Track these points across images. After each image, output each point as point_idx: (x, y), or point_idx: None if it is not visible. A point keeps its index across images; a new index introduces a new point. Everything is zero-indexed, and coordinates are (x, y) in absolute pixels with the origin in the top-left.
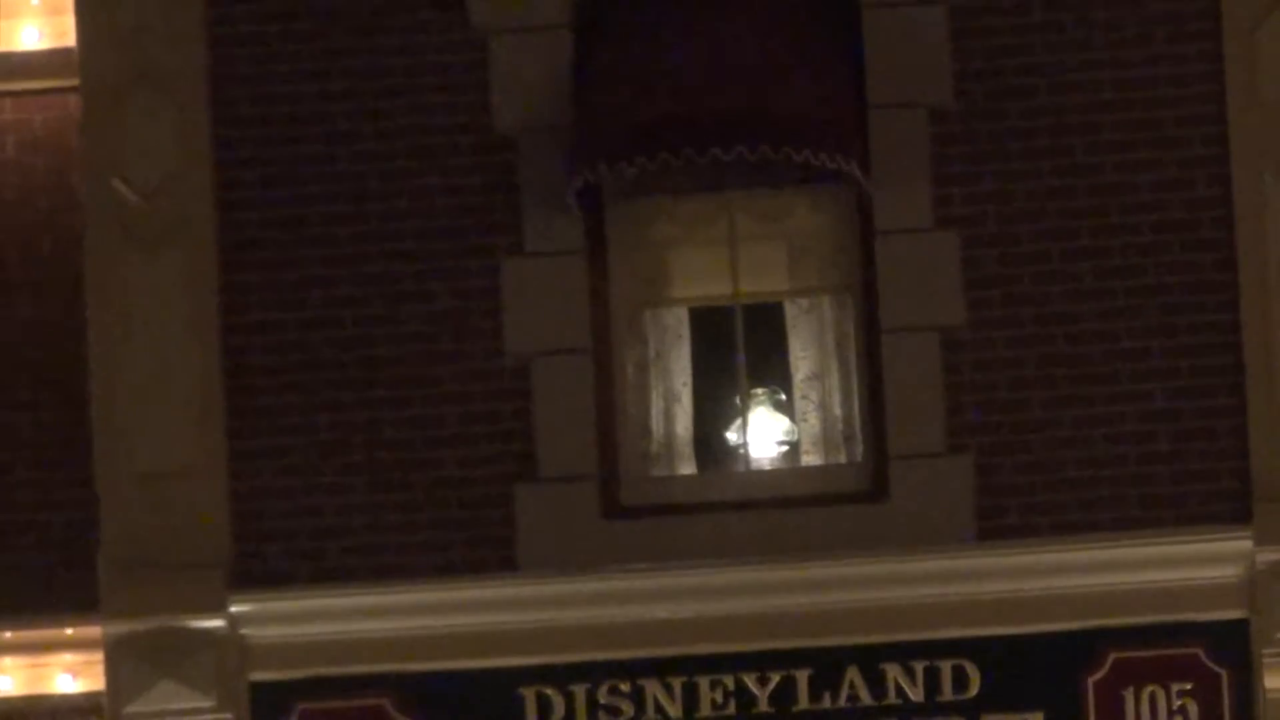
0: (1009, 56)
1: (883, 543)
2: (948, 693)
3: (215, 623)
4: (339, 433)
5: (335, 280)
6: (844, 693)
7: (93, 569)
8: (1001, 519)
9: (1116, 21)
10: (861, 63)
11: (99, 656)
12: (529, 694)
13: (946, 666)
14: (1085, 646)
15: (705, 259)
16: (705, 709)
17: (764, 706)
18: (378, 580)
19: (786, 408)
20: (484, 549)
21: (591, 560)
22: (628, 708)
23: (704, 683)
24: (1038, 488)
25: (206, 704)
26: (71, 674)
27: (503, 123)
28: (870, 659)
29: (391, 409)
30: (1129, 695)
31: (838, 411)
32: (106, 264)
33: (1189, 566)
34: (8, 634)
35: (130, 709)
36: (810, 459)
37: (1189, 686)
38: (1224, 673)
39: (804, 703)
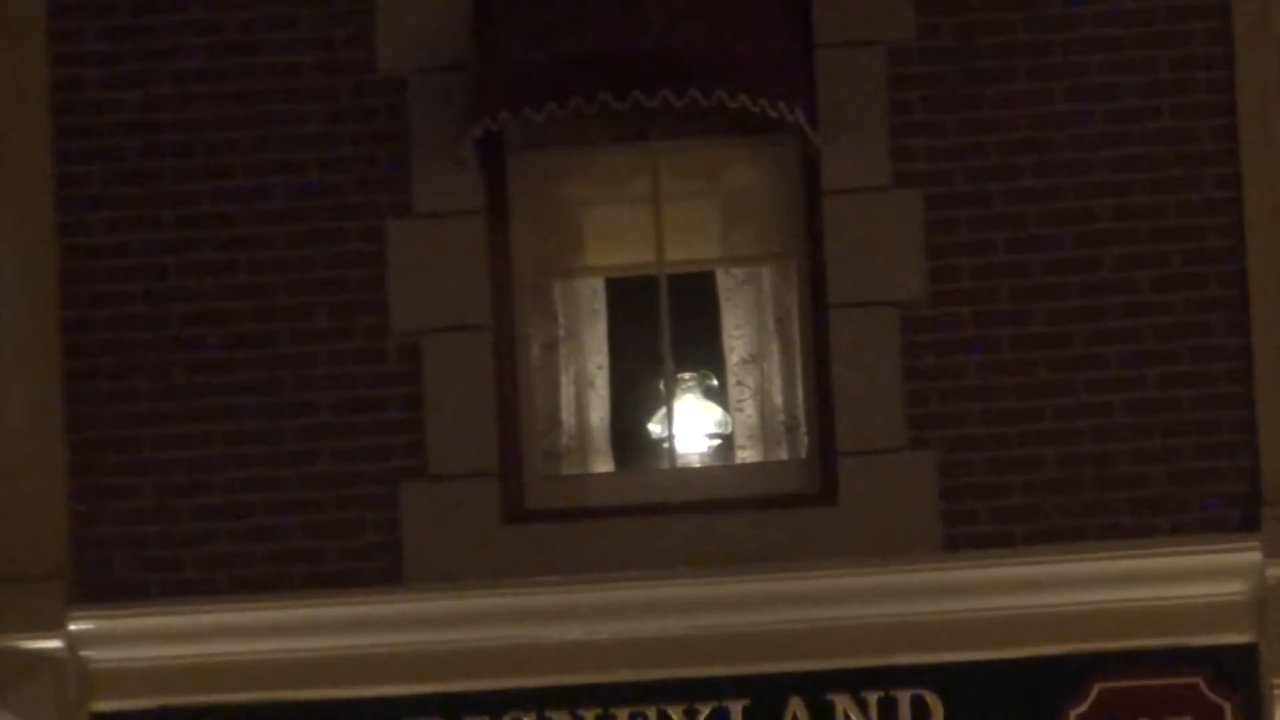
0: None
1: (831, 553)
2: None
3: (52, 643)
4: (196, 423)
5: (192, 245)
6: None
7: None
8: (970, 526)
9: None
10: None
11: None
12: None
13: (904, 697)
14: (1067, 675)
15: (625, 221)
16: None
17: None
18: (241, 595)
19: (719, 395)
20: (365, 558)
21: (490, 572)
22: None
23: (622, 715)
24: (1012, 490)
25: None
26: None
27: (388, 61)
28: (816, 688)
29: (257, 395)
30: None
31: (778, 400)
32: None
33: (1188, 582)
34: None
35: None
36: (746, 455)
37: None
38: (1227, 705)
39: None
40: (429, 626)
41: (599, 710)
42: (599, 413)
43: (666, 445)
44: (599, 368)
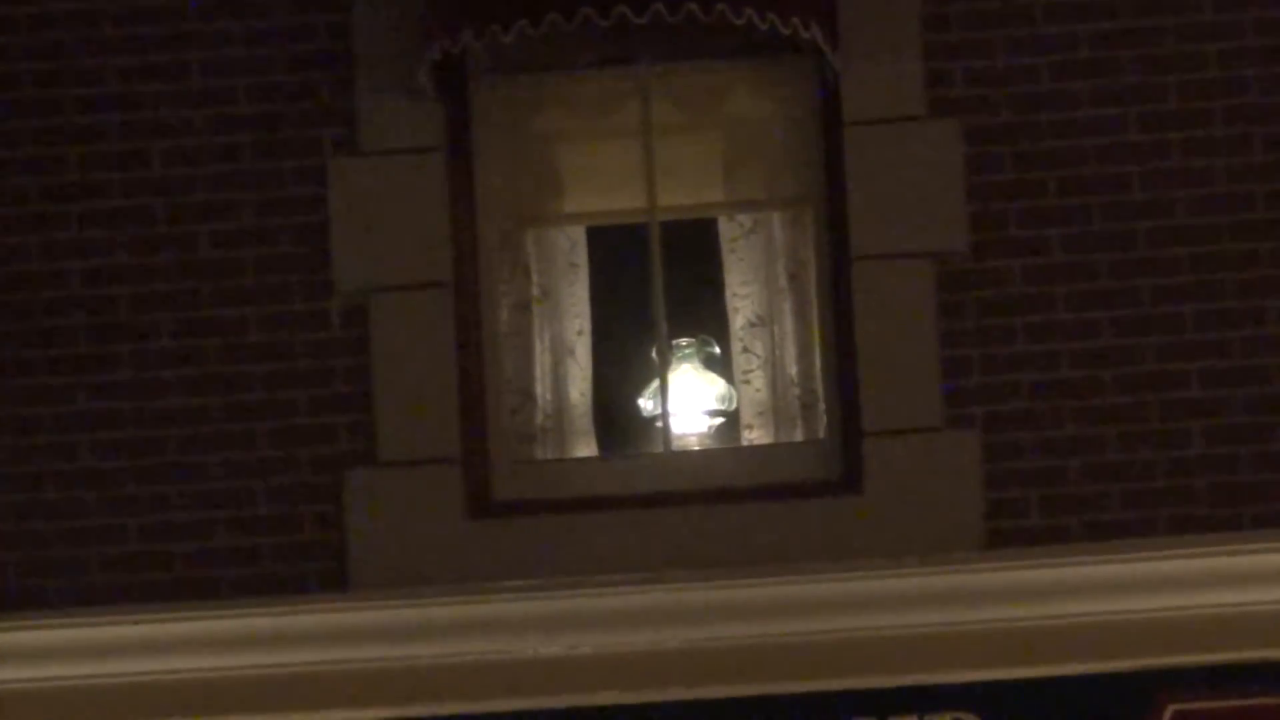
0: None
1: (854, 551)
2: None
3: None
4: (103, 399)
5: (100, 189)
6: None
7: None
8: (1018, 519)
9: None
10: None
11: None
12: None
13: None
14: (1133, 695)
15: (610, 160)
16: None
17: None
18: (156, 603)
19: (721, 366)
20: (303, 559)
21: (452, 575)
22: None
23: None
24: (1067, 476)
25: None
26: None
27: None
28: (837, 712)
29: (175, 366)
30: None
31: (792, 371)
32: None
33: (1276, 584)
34: None
35: None
36: (754, 436)
37: None
38: None
39: None
40: (379, 640)
41: None
42: (580, 387)
43: (660, 425)
44: (579, 333)
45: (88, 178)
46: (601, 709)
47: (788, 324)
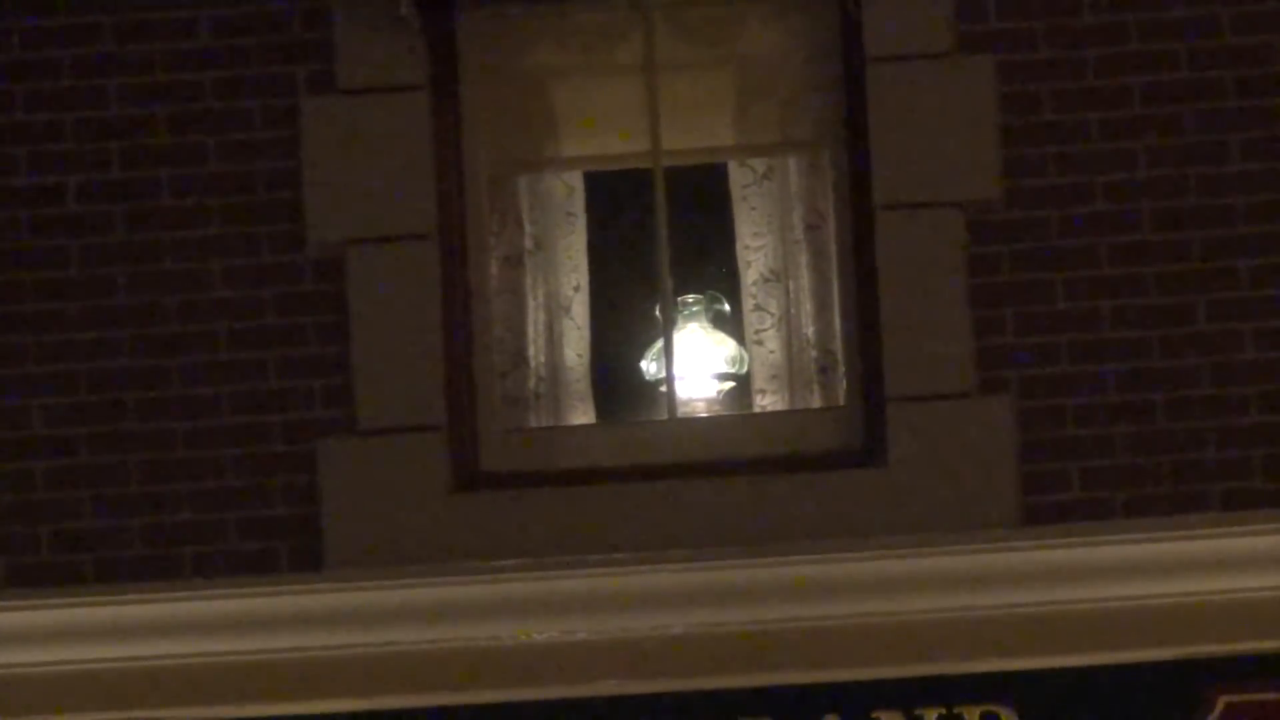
0: None
1: (877, 529)
2: None
3: None
4: (54, 362)
5: (54, 130)
6: None
7: None
8: (1057, 493)
9: None
10: None
11: None
12: None
13: (973, 715)
14: (1181, 685)
15: (610, 99)
16: None
17: None
18: (114, 584)
19: (732, 325)
20: (274, 536)
21: (436, 554)
22: None
23: None
24: (1113, 445)
25: None
26: None
27: None
28: (858, 703)
29: (133, 325)
30: None
31: (809, 330)
32: None
33: None
34: None
35: None
36: (767, 402)
37: None
38: None
39: None
40: (356, 625)
41: None
42: (576, 348)
43: (664, 390)
44: (576, 289)
45: (33, 117)
46: (600, 700)
47: (804, 279)
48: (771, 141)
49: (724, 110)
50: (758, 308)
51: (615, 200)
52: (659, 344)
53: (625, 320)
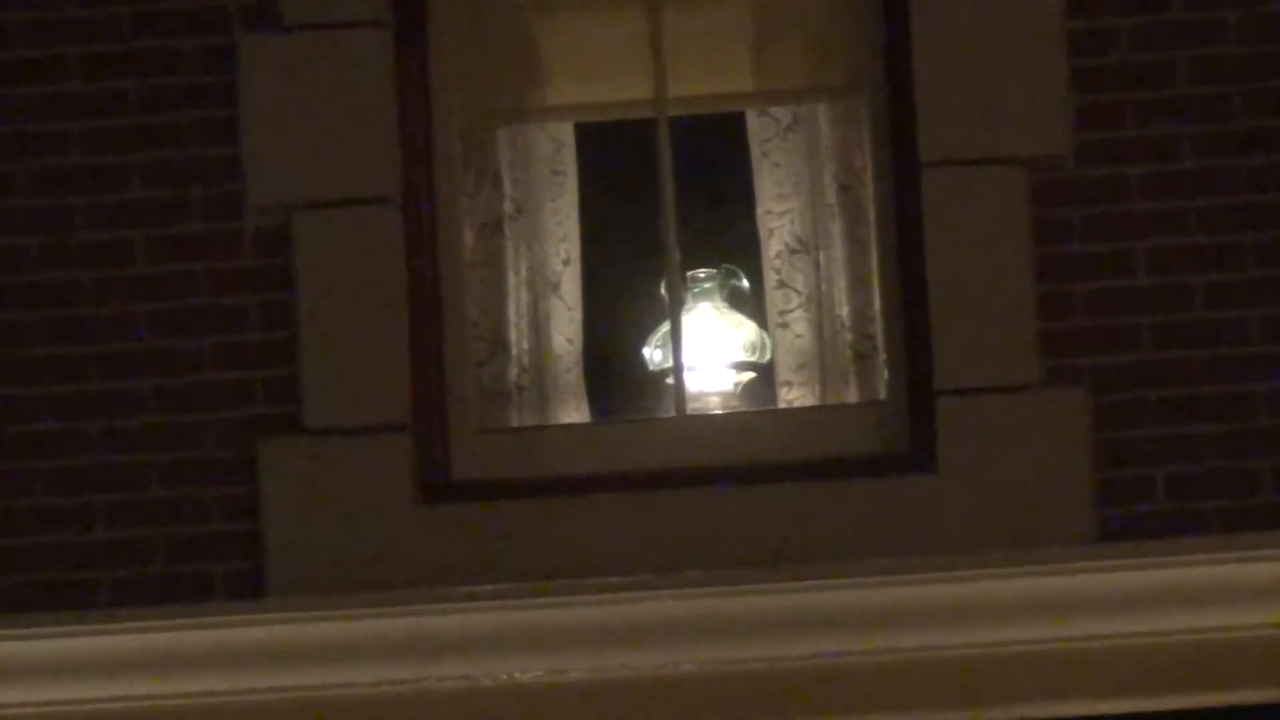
0: None
1: (925, 547)
2: None
3: None
4: None
5: None
6: None
7: None
8: (1140, 503)
9: None
10: None
11: None
12: None
13: None
14: None
15: (606, 37)
16: None
17: None
18: (14, 614)
19: (752, 304)
20: (208, 557)
21: (399, 578)
22: None
23: None
24: (1206, 447)
25: None
26: None
27: None
28: None
29: (44, 307)
30: None
31: (844, 311)
32: None
33: None
34: None
35: None
36: (794, 397)
37: None
38: None
39: None
40: (305, 661)
41: None
42: (566, 332)
43: (670, 382)
44: (566, 262)
45: None
46: None
47: (838, 250)
48: (797, 86)
49: (741, 50)
50: (782, 284)
51: (613, 157)
52: (664, 328)
53: (624, 300)
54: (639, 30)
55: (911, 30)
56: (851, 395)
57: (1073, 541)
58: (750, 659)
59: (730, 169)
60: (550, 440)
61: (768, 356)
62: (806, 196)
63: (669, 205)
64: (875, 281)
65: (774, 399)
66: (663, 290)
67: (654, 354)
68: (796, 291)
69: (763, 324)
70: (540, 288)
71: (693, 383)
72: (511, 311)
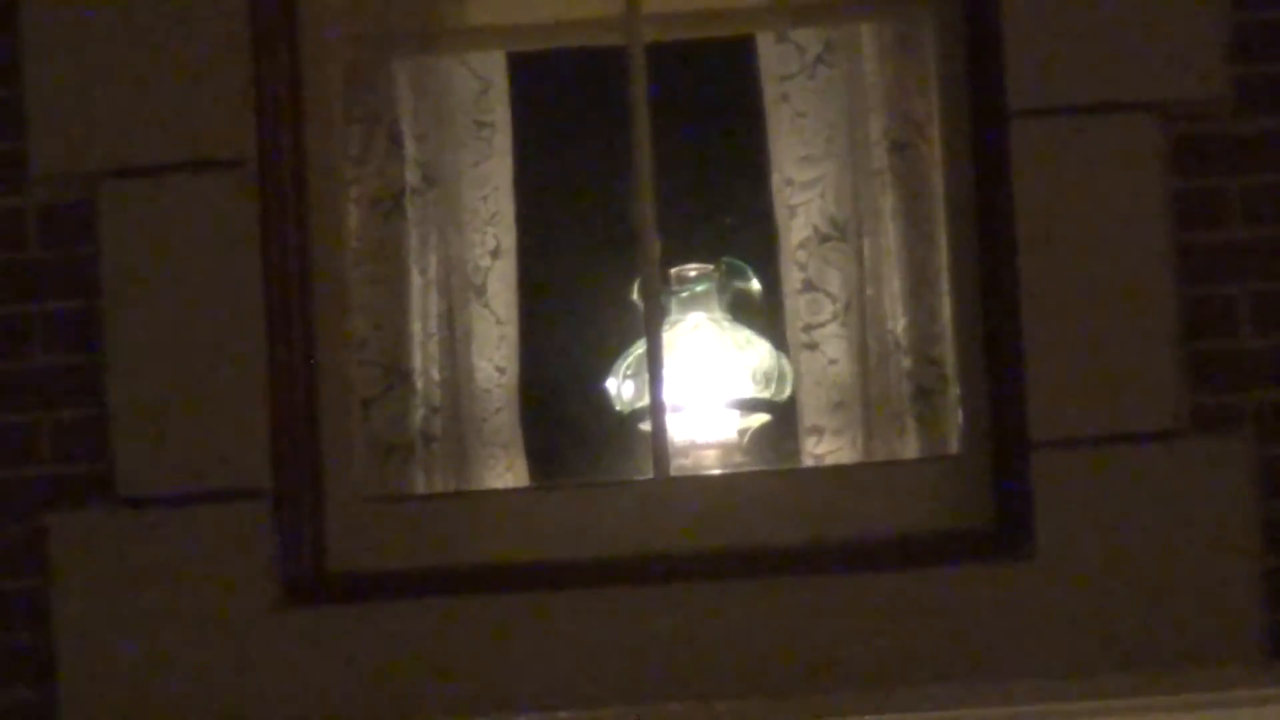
0: None
1: (1018, 668)
2: None
3: None
4: None
5: None
6: None
7: None
8: None
9: None
10: None
11: None
12: None
13: None
14: None
15: None
16: None
17: None
18: None
19: (764, 316)
20: None
21: (251, 713)
22: None
23: None
24: None
25: None
26: None
27: None
28: None
29: None
30: None
31: (897, 325)
32: None
33: None
34: None
35: None
36: (826, 448)
37: None
38: None
39: None
40: None
41: None
42: (495, 355)
43: (646, 428)
44: (495, 255)
45: None
46: None
47: (889, 237)
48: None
49: None
50: (809, 286)
51: (564, 103)
52: (638, 349)
53: (580, 309)
54: None
55: None
56: (909, 448)
57: (1236, 659)
58: None
59: (734, 120)
60: (471, 513)
61: (787, 391)
62: (844, 159)
63: (644, 172)
64: (944, 282)
65: (796, 453)
66: (635, 295)
67: (623, 388)
68: (829, 296)
69: (780, 344)
70: (458, 291)
71: (679, 429)
72: (416, 327)
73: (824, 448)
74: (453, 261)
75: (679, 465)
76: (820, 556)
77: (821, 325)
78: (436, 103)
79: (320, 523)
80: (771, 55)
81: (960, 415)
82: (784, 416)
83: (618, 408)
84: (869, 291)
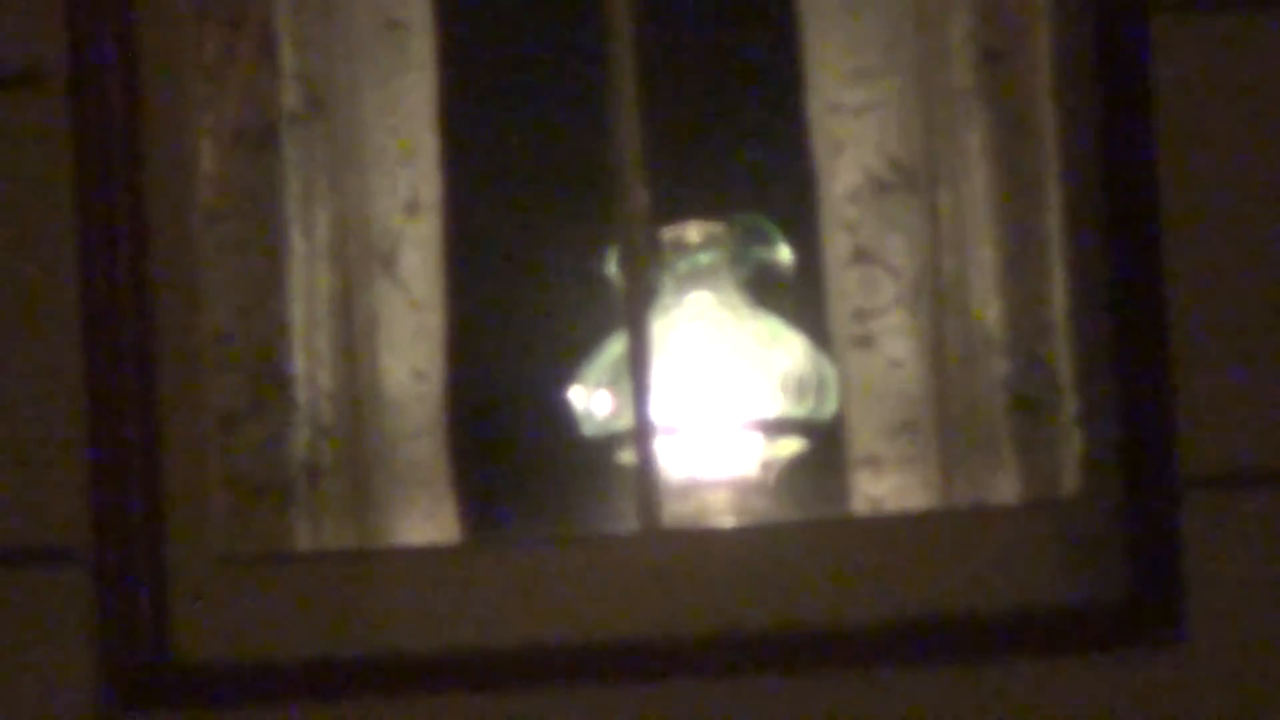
0: None
1: None
2: None
3: None
4: None
5: None
6: None
7: None
8: None
9: None
10: None
11: None
12: None
13: None
14: None
15: None
16: None
17: None
18: None
19: (797, 297)
20: None
21: None
22: None
23: None
24: None
25: None
26: None
27: None
28: None
29: None
30: None
31: (989, 312)
32: None
33: None
34: None
35: None
36: (887, 487)
37: None
38: None
39: None
40: None
41: None
42: (414, 354)
43: (629, 457)
44: (410, 210)
45: None
46: None
47: (976, 185)
48: None
49: None
50: (861, 257)
51: (503, 8)
52: (617, 348)
53: (532, 289)
54: None
55: None
56: (1008, 487)
57: None
58: None
59: (755, 20)
60: (373, 581)
61: (830, 407)
62: (911, 75)
63: (627, 94)
64: (1056, 251)
65: (844, 493)
66: (613, 269)
67: (594, 402)
68: (890, 271)
69: (821, 339)
70: (358, 262)
71: (675, 462)
72: (297, 313)
73: (883, 487)
74: (350, 220)
75: (675, 513)
76: (879, 644)
77: (879, 312)
78: (328, 6)
79: (160, 596)
80: None
81: (1079, 440)
82: (826, 442)
83: (587, 430)
84: (947, 264)
